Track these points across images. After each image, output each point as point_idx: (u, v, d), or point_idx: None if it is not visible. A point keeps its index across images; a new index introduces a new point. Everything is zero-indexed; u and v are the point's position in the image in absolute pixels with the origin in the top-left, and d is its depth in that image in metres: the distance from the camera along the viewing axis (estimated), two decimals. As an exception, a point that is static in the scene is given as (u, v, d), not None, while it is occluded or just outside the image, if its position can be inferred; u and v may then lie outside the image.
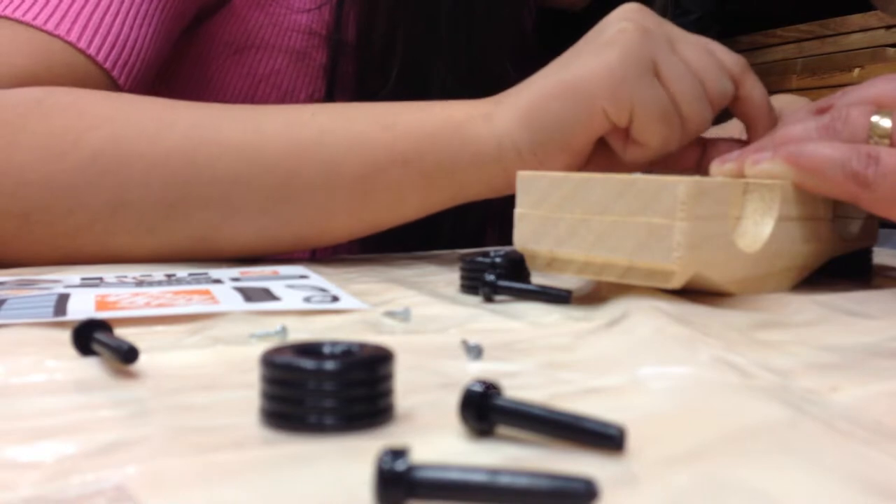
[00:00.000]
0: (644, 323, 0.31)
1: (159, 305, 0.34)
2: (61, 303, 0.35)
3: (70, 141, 0.48)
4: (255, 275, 0.44)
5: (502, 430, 0.20)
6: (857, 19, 2.21)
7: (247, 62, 0.63)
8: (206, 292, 0.38)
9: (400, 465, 0.16)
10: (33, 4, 0.51)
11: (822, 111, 0.44)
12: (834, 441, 0.20)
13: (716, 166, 0.43)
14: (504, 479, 0.16)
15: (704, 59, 0.47)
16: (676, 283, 0.34)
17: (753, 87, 0.49)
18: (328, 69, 0.62)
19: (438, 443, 0.20)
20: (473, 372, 0.26)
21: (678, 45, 0.47)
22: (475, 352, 0.28)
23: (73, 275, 0.44)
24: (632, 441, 0.19)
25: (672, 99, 0.46)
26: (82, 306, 0.34)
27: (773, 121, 0.50)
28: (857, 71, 2.08)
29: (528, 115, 0.48)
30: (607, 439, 0.19)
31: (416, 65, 0.59)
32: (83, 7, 0.52)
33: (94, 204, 0.48)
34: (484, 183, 0.50)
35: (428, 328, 0.33)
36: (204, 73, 0.63)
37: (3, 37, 0.51)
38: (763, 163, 0.41)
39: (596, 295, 0.38)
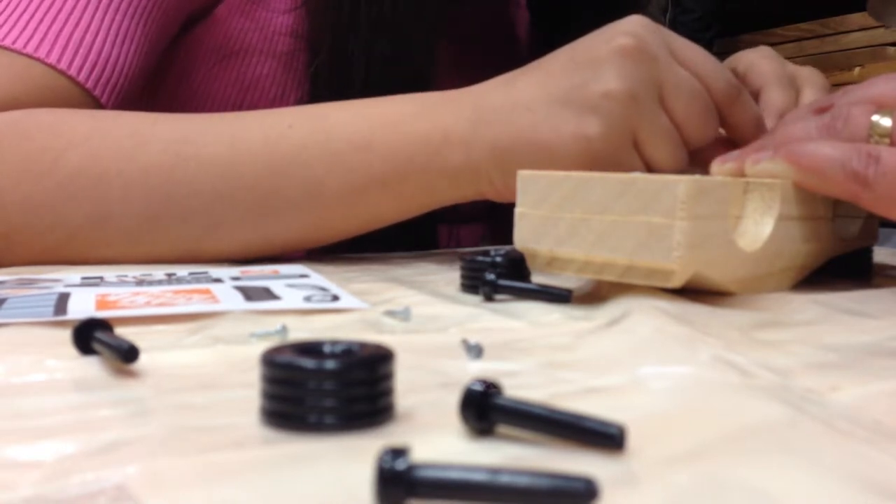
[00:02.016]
0: (644, 322, 0.31)
1: (159, 305, 0.34)
2: (61, 302, 0.35)
3: (49, 161, 0.48)
4: (256, 274, 0.44)
5: (502, 429, 0.20)
6: (857, 18, 2.21)
7: (234, 69, 0.63)
8: (207, 291, 0.38)
9: (400, 465, 0.16)
10: (12, 28, 0.51)
11: (822, 110, 0.44)
12: (834, 441, 0.20)
13: (716, 165, 0.43)
14: (504, 479, 0.16)
15: (692, 105, 0.46)
16: (676, 282, 0.34)
17: (743, 114, 0.48)
18: (310, 71, 0.61)
19: (438, 442, 0.20)
20: (473, 371, 0.26)
21: (668, 92, 0.45)
22: (475, 351, 0.28)
23: (73, 274, 0.44)
24: (632, 441, 0.19)
25: (647, 163, 0.46)
26: (82, 306, 0.34)
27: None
28: (857, 70, 2.08)
29: (502, 157, 0.47)
30: (608, 439, 0.19)
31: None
32: (62, 28, 0.52)
33: (75, 220, 0.48)
34: (459, 197, 0.50)
35: (428, 327, 0.33)
36: (191, 81, 0.63)
37: None
38: (763, 162, 0.41)
39: (596, 294, 0.38)
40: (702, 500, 0.17)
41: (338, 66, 0.58)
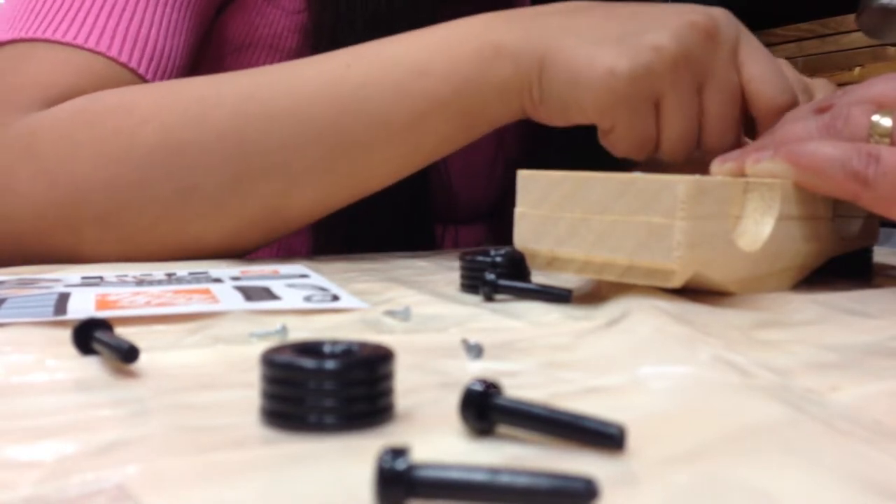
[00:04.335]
0: (644, 322, 0.31)
1: (159, 305, 0.34)
2: (61, 302, 0.35)
3: (124, 141, 0.49)
4: (256, 274, 0.44)
5: (502, 429, 0.20)
6: (857, 18, 2.20)
7: (244, 62, 0.64)
8: (206, 291, 0.38)
9: (400, 465, 0.16)
10: (71, 24, 0.53)
11: (822, 110, 0.44)
12: (834, 441, 0.20)
13: (716, 165, 0.43)
14: (504, 479, 0.16)
15: (724, 109, 0.47)
16: (676, 282, 0.34)
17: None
18: None
19: (438, 442, 0.20)
20: (473, 371, 0.26)
21: (708, 85, 0.47)
22: (475, 351, 0.28)
23: (73, 274, 0.44)
24: (632, 440, 0.19)
25: (659, 132, 0.47)
26: (82, 305, 0.34)
27: None
28: (857, 70, 2.08)
29: (544, 72, 0.48)
30: (607, 438, 0.19)
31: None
32: (118, 22, 0.54)
33: (164, 195, 0.49)
34: (509, 114, 0.51)
35: (428, 327, 0.33)
36: (202, 73, 0.64)
37: (45, 60, 0.52)
38: (763, 161, 0.41)
39: (596, 294, 0.38)
40: (702, 500, 0.17)
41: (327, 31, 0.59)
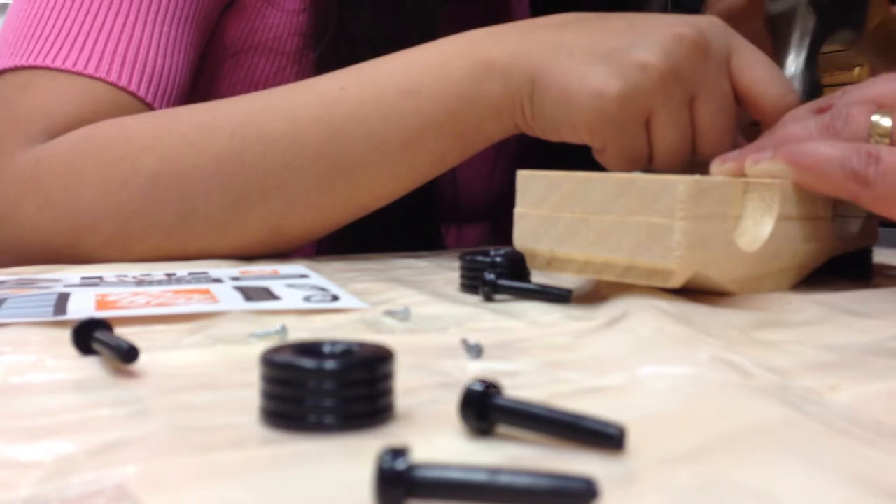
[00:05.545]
0: (644, 322, 0.31)
1: (159, 305, 0.34)
2: (61, 302, 0.35)
3: (127, 168, 0.50)
4: (255, 274, 0.44)
5: (502, 429, 0.20)
6: (857, 18, 2.20)
7: (243, 66, 0.64)
8: (206, 291, 0.38)
9: (400, 465, 0.16)
10: (71, 50, 0.53)
11: (822, 110, 0.44)
12: (834, 441, 0.20)
13: (716, 165, 0.43)
14: (504, 479, 0.16)
15: (716, 118, 0.47)
16: (676, 282, 0.34)
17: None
18: (315, 55, 0.62)
19: (438, 442, 0.20)
20: (473, 371, 0.26)
21: (699, 96, 0.47)
22: (475, 351, 0.28)
23: (73, 274, 0.44)
24: (632, 440, 0.19)
25: (651, 146, 0.47)
26: (82, 305, 0.34)
27: None
28: (856, 70, 2.08)
29: (534, 89, 0.48)
30: (607, 439, 0.19)
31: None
32: (117, 45, 0.54)
33: (166, 219, 0.50)
34: (503, 131, 0.51)
35: (428, 327, 0.33)
36: (200, 77, 0.64)
37: (47, 88, 0.53)
38: (763, 162, 0.41)
39: (596, 294, 0.38)
40: (702, 500, 0.17)
41: (342, 49, 0.59)
